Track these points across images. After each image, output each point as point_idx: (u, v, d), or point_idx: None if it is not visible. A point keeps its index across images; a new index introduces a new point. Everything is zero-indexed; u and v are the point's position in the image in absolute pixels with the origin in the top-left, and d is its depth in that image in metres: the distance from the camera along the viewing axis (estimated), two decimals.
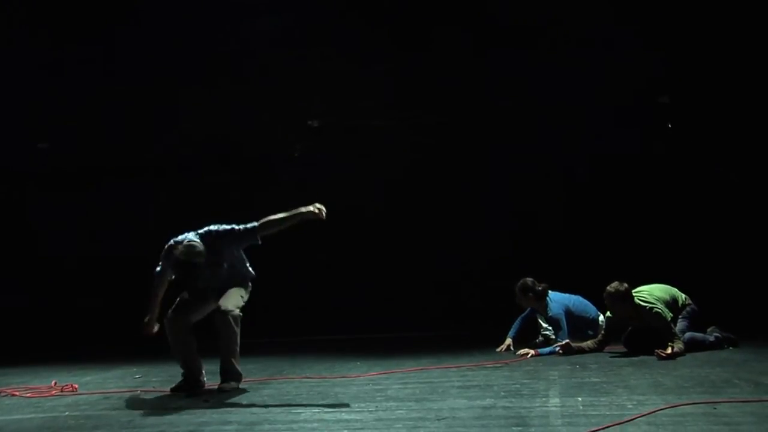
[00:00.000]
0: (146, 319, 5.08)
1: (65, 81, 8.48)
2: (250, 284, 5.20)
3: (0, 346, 7.87)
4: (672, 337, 5.65)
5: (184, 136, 8.71)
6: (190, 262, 4.69)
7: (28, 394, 5.16)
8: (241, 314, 4.95)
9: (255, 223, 4.86)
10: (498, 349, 6.39)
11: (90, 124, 8.66)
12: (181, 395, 4.90)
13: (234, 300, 4.97)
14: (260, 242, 4.93)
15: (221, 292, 5.02)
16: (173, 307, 5.03)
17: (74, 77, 8.46)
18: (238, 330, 4.92)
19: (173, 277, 5.05)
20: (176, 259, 4.74)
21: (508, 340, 6.45)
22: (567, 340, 6.05)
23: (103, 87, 8.46)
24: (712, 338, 6.00)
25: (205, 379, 5.11)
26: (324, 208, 4.69)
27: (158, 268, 5.07)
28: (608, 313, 6.06)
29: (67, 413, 4.43)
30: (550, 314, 6.38)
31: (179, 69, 8.29)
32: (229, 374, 4.98)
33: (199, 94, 8.31)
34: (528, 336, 6.64)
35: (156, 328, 5.10)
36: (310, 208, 4.68)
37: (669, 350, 5.48)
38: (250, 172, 8.78)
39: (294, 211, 4.75)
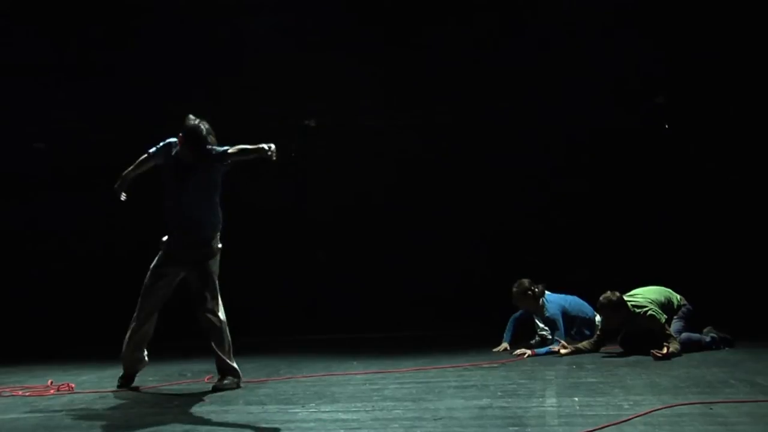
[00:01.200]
0: (116, 185, 5.17)
1: (63, 80, 8.47)
2: (219, 241, 5.09)
3: None
4: (668, 338, 5.66)
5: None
6: (202, 134, 4.83)
7: (24, 393, 5.15)
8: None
9: (226, 147, 4.89)
10: (495, 350, 6.41)
11: (88, 124, 8.65)
12: (179, 394, 4.90)
13: (216, 294, 5.02)
14: (227, 166, 4.97)
15: (195, 246, 4.98)
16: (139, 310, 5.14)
17: (73, 77, 8.45)
18: (225, 327, 5.00)
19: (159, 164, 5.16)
20: (189, 131, 4.88)
21: (505, 344, 6.46)
22: (563, 342, 6.06)
23: (101, 87, 8.45)
24: (708, 338, 6.01)
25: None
26: (274, 150, 4.66)
27: (150, 151, 5.20)
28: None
29: (63, 412, 4.43)
30: (547, 314, 6.39)
31: (177, 68, 8.28)
32: (226, 371, 4.99)
33: (197, 93, 8.30)
34: (524, 336, 6.65)
35: (124, 196, 5.19)
36: (265, 146, 4.65)
37: (665, 350, 5.48)
38: (247, 171, 8.76)
39: (254, 147, 4.76)
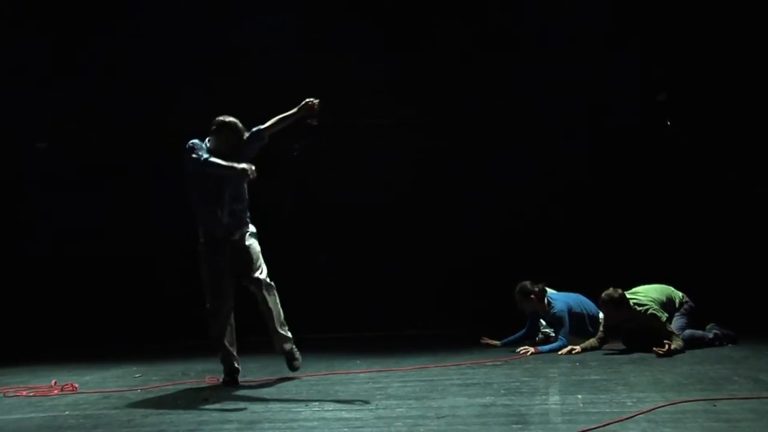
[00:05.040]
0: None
1: (64, 80, 8.46)
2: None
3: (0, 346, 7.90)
4: (669, 335, 5.65)
5: (182, 135, 8.68)
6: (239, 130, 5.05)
7: (29, 394, 5.16)
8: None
9: (260, 126, 5.23)
10: (483, 340, 6.52)
11: (89, 124, 8.64)
12: (182, 394, 4.91)
13: (262, 263, 5.18)
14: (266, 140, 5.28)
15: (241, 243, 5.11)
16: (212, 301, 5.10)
17: (73, 77, 8.44)
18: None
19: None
20: (228, 127, 5.06)
21: (497, 342, 6.53)
22: (569, 347, 6.04)
23: (103, 86, 8.44)
24: (711, 335, 6.01)
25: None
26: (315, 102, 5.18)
27: (202, 155, 5.04)
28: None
29: (67, 412, 4.44)
30: (553, 311, 6.35)
31: (178, 67, 8.27)
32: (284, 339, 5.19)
33: (196, 93, 8.28)
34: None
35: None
36: (307, 101, 5.16)
37: (667, 347, 5.48)
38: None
39: (292, 111, 5.25)
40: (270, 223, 8.65)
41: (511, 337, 6.57)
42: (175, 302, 8.37)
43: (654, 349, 5.50)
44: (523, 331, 6.60)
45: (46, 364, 6.82)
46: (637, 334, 5.90)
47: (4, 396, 5.12)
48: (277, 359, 6.48)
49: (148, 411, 4.37)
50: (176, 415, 4.20)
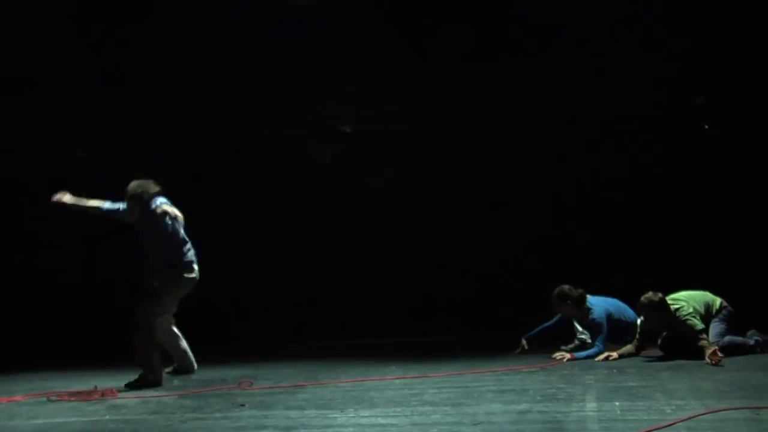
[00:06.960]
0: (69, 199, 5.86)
1: (80, 85, 8.49)
2: (183, 274, 5.89)
3: (42, 350, 8.07)
4: (701, 341, 5.55)
5: (210, 143, 8.76)
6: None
7: (70, 398, 5.26)
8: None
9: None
10: (516, 352, 6.43)
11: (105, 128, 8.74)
12: (220, 399, 4.96)
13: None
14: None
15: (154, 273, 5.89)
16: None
17: (91, 80, 8.45)
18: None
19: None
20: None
21: (522, 341, 6.48)
22: (606, 353, 5.97)
23: (136, 89, 8.48)
24: (752, 341, 5.91)
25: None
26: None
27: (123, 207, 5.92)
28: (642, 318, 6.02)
29: (107, 417, 4.51)
30: (592, 317, 6.29)
31: (199, 72, 8.27)
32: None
33: (219, 97, 8.29)
34: (562, 340, 6.60)
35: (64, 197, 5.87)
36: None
37: (719, 356, 5.32)
38: (277, 178, 8.80)
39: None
40: (296, 230, 8.76)
41: (535, 331, 6.53)
42: (211, 309, 8.47)
43: (707, 358, 5.35)
44: (549, 323, 6.54)
45: (89, 369, 6.94)
46: (675, 340, 5.82)
47: (47, 400, 5.23)
48: (312, 365, 6.54)
49: (186, 416, 4.43)
50: (213, 421, 4.25)
